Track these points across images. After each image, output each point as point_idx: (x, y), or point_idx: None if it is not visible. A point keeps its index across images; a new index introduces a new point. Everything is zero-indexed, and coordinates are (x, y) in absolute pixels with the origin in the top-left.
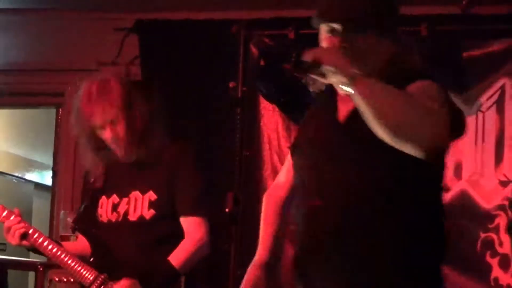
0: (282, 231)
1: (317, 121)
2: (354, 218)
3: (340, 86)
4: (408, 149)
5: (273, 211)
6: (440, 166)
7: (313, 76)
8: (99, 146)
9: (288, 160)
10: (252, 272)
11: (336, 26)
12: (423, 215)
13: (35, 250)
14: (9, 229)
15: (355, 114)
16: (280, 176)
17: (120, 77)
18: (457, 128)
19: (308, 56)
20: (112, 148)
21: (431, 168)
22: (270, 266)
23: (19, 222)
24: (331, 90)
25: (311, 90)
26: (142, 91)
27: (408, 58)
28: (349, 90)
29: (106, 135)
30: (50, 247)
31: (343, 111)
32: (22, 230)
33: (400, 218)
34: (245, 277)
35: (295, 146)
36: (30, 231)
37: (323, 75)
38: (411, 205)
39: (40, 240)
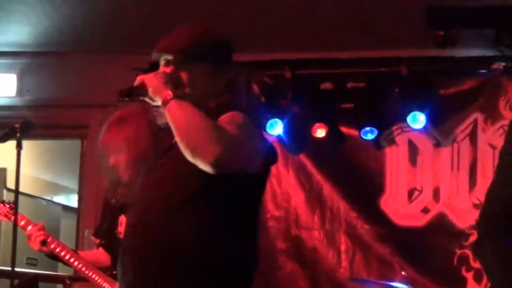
0: None
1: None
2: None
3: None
4: (200, 164)
5: None
6: (250, 192)
7: (141, 98)
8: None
9: None
10: None
11: (169, 57)
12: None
13: (54, 256)
14: (30, 236)
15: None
16: None
17: (136, 111)
18: (267, 153)
19: (136, 81)
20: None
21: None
22: None
23: (39, 230)
24: None
25: (158, 123)
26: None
27: (231, 91)
28: (164, 110)
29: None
30: (68, 256)
31: None
32: (42, 238)
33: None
34: None
35: None
36: (49, 239)
37: (150, 98)
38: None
39: (58, 248)
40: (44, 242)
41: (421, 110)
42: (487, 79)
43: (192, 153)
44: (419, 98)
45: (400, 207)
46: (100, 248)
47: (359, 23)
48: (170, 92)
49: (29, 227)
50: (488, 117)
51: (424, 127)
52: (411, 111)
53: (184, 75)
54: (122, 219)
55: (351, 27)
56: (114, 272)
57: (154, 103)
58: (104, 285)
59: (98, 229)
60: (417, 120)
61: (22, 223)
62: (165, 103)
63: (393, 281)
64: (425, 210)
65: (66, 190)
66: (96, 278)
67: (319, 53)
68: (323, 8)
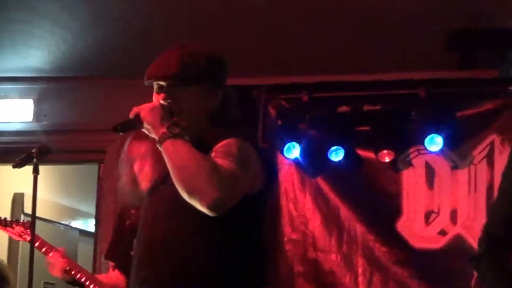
0: None
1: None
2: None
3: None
4: (196, 205)
5: None
6: (256, 213)
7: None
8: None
9: None
10: None
11: (161, 83)
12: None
13: (74, 282)
14: (52, 264)
15: None
16: None
17: None
18: (268, 174)
19: (132, 113)
20: None
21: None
22: None
23: (61, 257)
24: None
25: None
26: None
27: (227, 114)
28: (160, 148)
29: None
30: (87, 282)
31: None
32: (64, 266)
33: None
34: None
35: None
36: (69, 268)
37: (146, 130)
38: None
39: (79, 275)
40: (66, 271)
41: (438, 132)
42: (504, 100)
43: (188, 195)
44: (436, 120)
45: (417, 230)
46: (116, 270)
47: (376, 45)
48: (166, 131)
49: (50, 254)
50: (505, 138)
51: (441, 149)
52: (428, 133)
53: (177, 100)
54: None
55: (368, 49)
56: None
57: (149, 134)
58: None
59: (110, 251)
60: (434, 142)
61: (37, 244)
62: (160, 141)
63: None
64: (443, 233)
65: (83, 215)
66: None
67: (336, 76)
68: (339, 31)
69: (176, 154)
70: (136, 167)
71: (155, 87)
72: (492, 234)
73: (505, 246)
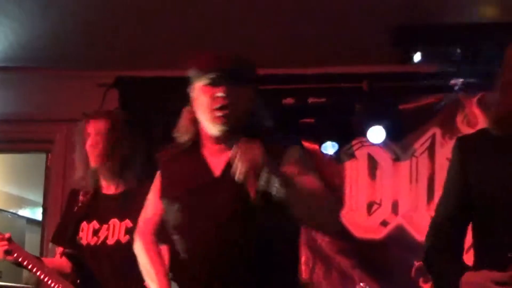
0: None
1: (188, 173)
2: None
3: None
4: (322, 231)
5: (154, 250)
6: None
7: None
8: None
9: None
10: None
11: (223, 76)
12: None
13: (19, 264)
14: None
15: (228, 168)
16: (148, 211)
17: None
18: None
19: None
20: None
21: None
22: None
23: (1, 240)
24: (194, 144)
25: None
26: (127, 131)
27: (263, 113)
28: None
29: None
30: (30, 265)
31: (215, 165)
32: (5, 247)
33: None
34: None
35: (169, 196)
36: (13, 249)
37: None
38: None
39: (21, 257)
40: (8, 252)
41: (381, 125)
42: (445, 94)
43: (312, 225)
44: (379, 113)
45: (360, 220)
46: (63, 257)
47: (321, 39)
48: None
49: None
50: (446, 132)
51: (384, 142)
52: (371, 125)
53: (234, 97)
54: (84, 226)
55: (313, 43)
56: (78, 281)
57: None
58: None
59: (57, 235)
60: (377, 134)
61: None
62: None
63: None
64: (384, 223)
65: (31, 204)
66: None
67: (281, 68)
68: (285, 24)
69: (304, 196)
70: (88, 143)
71: (206, 81)
72: (437, 229)
73: (450, 242)
